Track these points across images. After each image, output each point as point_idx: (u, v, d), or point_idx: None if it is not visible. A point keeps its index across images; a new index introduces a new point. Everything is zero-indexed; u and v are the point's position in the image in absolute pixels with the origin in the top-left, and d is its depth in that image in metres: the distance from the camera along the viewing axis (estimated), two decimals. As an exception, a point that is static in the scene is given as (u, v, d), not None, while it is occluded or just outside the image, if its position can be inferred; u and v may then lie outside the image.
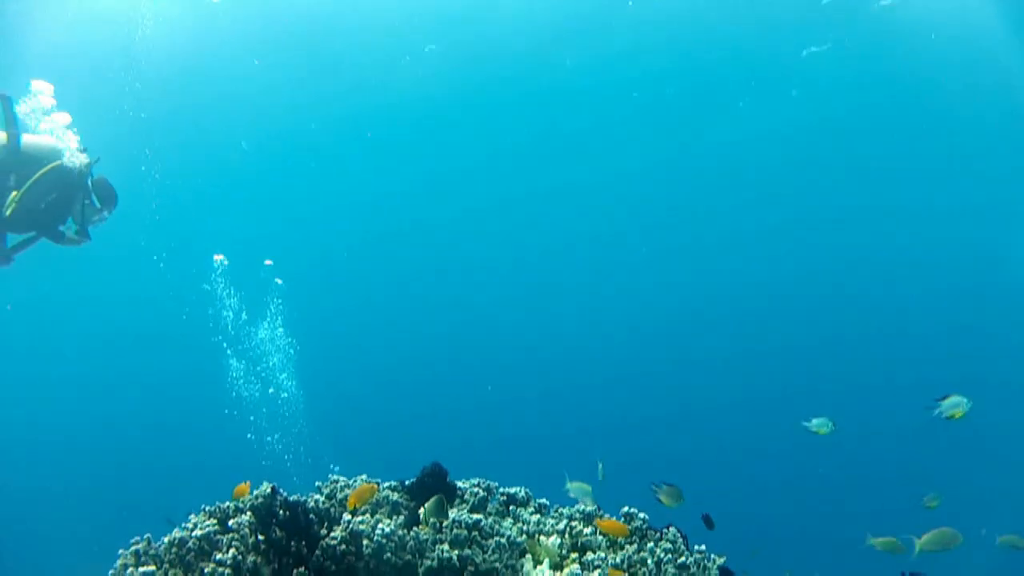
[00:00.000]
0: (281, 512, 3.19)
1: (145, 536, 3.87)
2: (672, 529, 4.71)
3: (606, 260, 19.87)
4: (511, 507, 4.48)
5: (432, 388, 18.57)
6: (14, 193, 4.34)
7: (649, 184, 19.41)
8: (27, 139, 4.59)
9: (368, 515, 3.46)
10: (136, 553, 3.77)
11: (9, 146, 4.46)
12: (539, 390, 18.61)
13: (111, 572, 3.85)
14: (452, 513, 3.48)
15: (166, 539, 3.63)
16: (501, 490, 4.72)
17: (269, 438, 9.43)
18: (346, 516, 3.31)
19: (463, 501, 4.15)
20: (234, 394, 9.65)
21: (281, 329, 9.72)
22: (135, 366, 17.80)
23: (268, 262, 13.11)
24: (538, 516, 3.94)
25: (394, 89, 16.56)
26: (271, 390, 9.74)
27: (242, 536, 3.20)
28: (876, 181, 18.41)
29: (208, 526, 3.34)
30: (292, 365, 9.83)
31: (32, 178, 4.38)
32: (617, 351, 18.81)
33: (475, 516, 3.49)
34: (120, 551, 3.88)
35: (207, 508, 3.88)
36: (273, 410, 9.67)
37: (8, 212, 4.32)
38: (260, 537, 3.16)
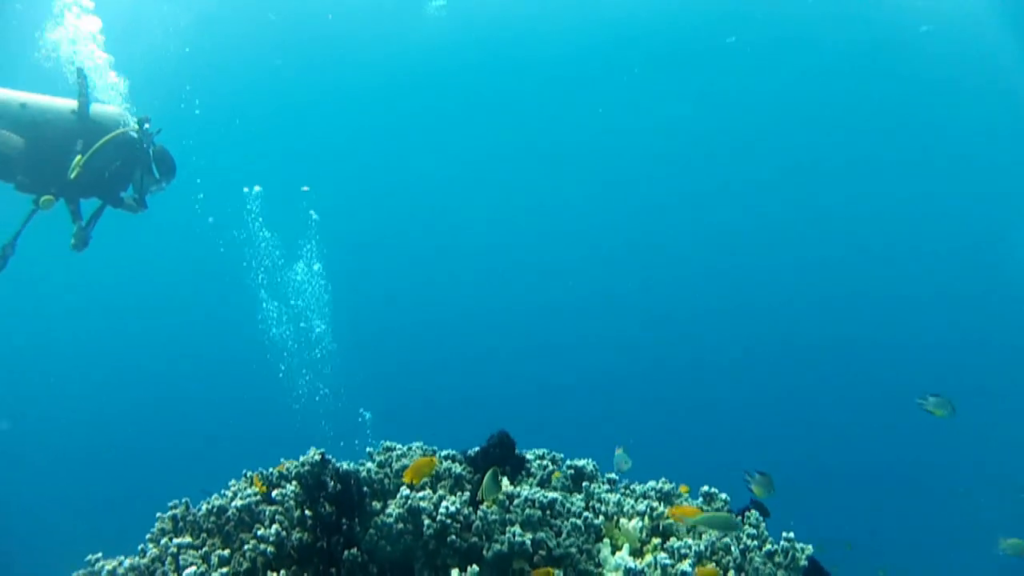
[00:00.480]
0: (331, 484, 2.78)
1: (183, 500, 3.55)
2: (754, 513, 4.22)
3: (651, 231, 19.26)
4: (582, 483, 4.03)
5: (468, 337, 18.27)
6: (79, 157, 4.47)
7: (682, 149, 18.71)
8: (95, 108, 4.75)
9: (429, 490, 3.03)
10: (174, 518, 3.44)
11: (79, 113, 4.64)
12: (582, 349, 18.13)
13: (148, 536, 3.55)
14: (524, 490, 3.01)
15: (205, 506, 3.29)
16: (568, 462, 4.27)
17: (300, 380, 9.29)
18: (404, 490, 2.88)
19: (530, 475, 3.70)
20: (267, 333, 9.44)
21: (318, 265, 9.43)
22: (171, 302, 17.72)
23: (305, 188, 12.78)
24: (617, 496, 3.45)
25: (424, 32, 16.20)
26: (302, 324, 9.54)
27: (287, 509, 2.81)
28: (878, 171, 18.19)
29: (249, 495, 2.96)
30: (326, 304, 9.59)
31: (97, 143, 4.52)
32: (668, 321, 18.22)
33: (550, 494, 3.03)
34: (158, 514, 3.59)
35: (248, 473, 3.53)
36: (303, 352, 9.49)
37: (73, 175, 4.44)
38: (307, 512, 2.76)
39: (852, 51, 16.86)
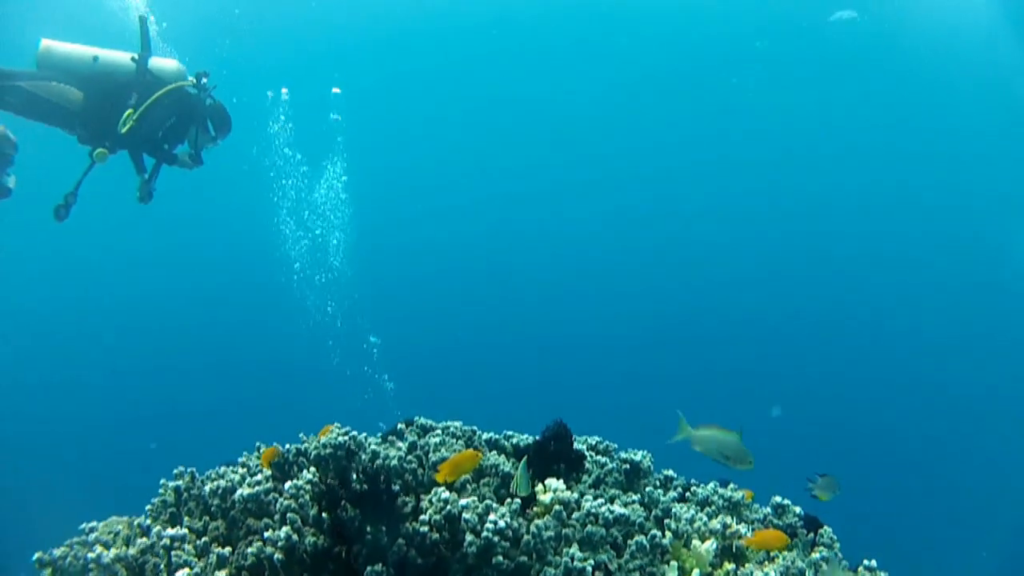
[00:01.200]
0: (356, 480, 2.28)
1: (189, 470, 3.13)
2: (827, 530, 3.68)
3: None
4: (636, 479, 3.51)
5: (496, 276, 17.66)
6: (129, 111, 4.32)
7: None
8: (155, 61, 4.62)
9: (472, 494, 2.53)
10: (177, 490, 3.02)
11: (139, 65, 4.52)
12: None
13: (148, 508, 3.16)
14: (587, 501, 2.48)
15: (211, 483, 2.85)
16: (621, 455, 3.75)
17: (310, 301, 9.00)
18: (443, 492, 2.37)
19: (585, 473, 3.18)
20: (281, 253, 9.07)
21: (345, 179, 8.98)
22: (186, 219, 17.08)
23: (336, 90, 12.21)
24: (691, 511, 2.91)
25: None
26: (318, 231, 9.17)
27: (301, 505, 2.33)
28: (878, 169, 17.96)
29: (259, 483, 2.49)
30: (347, 222, 9.18)
31: (151, 98, 4.37)
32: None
33: (616, 510, 2.50)
34: (162, 481, 3.19)
35: (261, 448, 3.07)
36: (318, 273, 9.16)
37: (124, 129, 4.30)
38: (323, 514, 2.27)
39: (850, 48, 16.81)
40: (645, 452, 3.78)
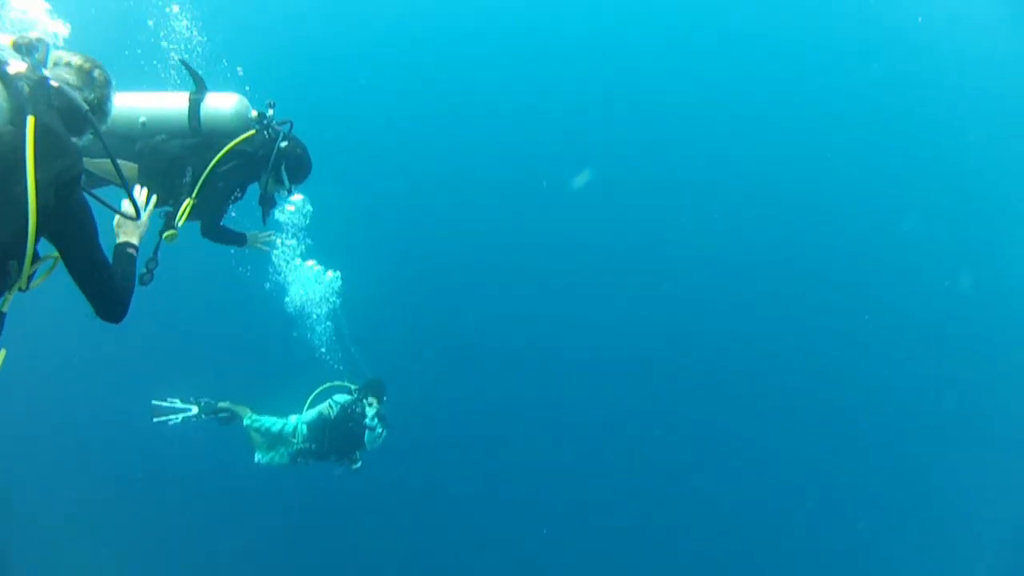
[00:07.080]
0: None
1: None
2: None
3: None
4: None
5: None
6: (187, 202, 3.68)
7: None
8: (208, 104, 3.74)
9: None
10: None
11: (190, 124, 3.70)
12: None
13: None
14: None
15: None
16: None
17: None
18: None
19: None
20: None
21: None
22: None
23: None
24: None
25: None
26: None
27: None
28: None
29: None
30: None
31: (202, 176, 3.71)
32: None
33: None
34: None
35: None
36: None
37: (180, 223, 3.69)
38: None
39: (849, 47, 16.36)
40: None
